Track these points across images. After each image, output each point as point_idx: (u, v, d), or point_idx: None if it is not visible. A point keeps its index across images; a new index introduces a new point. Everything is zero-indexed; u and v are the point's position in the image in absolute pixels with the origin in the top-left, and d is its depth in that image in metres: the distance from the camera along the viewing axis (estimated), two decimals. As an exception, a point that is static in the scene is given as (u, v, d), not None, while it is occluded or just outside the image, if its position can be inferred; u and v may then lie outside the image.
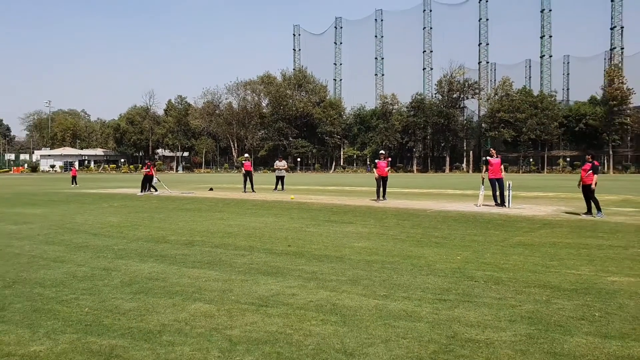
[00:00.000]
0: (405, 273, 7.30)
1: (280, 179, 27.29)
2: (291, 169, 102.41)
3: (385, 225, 12.80)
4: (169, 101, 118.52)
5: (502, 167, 17.40)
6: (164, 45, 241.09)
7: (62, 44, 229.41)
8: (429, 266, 7.77)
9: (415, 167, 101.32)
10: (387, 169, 19.68)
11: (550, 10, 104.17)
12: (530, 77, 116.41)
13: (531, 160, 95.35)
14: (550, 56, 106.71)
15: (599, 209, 14.30)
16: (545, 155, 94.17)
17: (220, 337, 4.71)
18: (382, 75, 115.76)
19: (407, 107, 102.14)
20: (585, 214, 14.48)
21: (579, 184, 15.02)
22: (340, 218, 14.37)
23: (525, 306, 5.66)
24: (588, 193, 14.55)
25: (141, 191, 25.30)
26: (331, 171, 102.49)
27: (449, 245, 9.81)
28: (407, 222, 13.24)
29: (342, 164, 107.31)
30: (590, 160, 14.68)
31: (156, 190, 25.43)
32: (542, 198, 21.21)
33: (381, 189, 19.51)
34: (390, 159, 20.24)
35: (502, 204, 16.71)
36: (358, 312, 5.45)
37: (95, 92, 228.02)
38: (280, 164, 27.72)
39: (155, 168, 26.58)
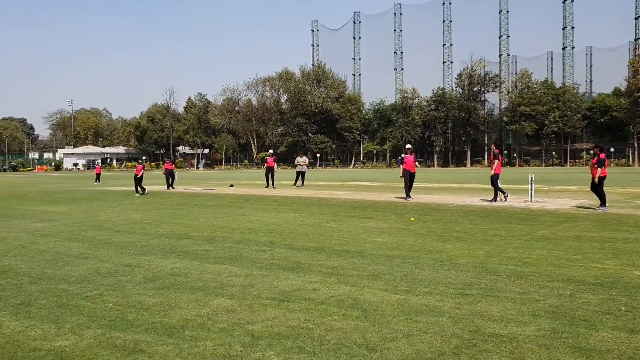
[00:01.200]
0: (426, 268, 7.26)
1: (300, 174, 27.38)
2: (311, 164, 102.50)
3: (406, 220, 12.74)
4: (189, 99, 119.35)
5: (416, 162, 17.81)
6: (184, 43, 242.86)
7: (84, 42, 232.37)
8: (450, 261, 7.72)
9: (436, 162, 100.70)
10: (415, 163, 18.11)
11: (572, 1, 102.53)
12: (552, 69, 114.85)
13: (554, 153, 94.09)
14: (573, 48, 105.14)
15: (603, 203, 14.13)
16: (568, 148, 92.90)
17: (242, 331, 4.74)
18: (402, 69, 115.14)
19: (427, 101, 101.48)
20: (600, 207, 14.23)
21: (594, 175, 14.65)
22: (360, 213, 14.34)
23: (549, 300, 5.59)
24: (595, 186, 14.25)
25: (167, 187, 25.78)
26: (351, 166, 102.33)
27: (470, 239, 9.73)
28: (429, 217, 13.17)
29: (361, 159, 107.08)
30: (598, 152, 14.30)
31: (144, 192, 23.21)
32: (565, 192, 20.93)
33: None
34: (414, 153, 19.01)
35: None
36: (379, 307, 5.44)
37: (116, 91, 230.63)
38: (301, 159, 27.77)
39: (175, 165, 26.78)
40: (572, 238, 9.71)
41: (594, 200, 16.77)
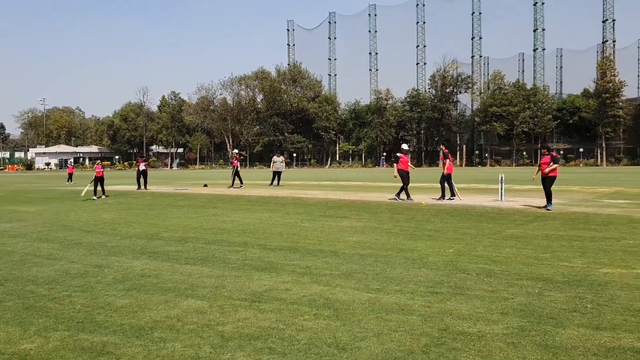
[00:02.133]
0: (398, 266, 7.29)
1: (277, 174, 27.25)
2: (287, 164, 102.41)
3: (379, 219, 12.80)
4: (163, 97, 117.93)
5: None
6: (158, 41, 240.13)
7: (56, 41, 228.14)
8: (421, 259, 7.76)
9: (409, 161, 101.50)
10: (409, 164, 17.83)
11: (543, 4, 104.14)
12: (523, 71, 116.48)
13: (524, 153, 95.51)
14: (544, 49, 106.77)
15: (549, 202, 14.31)
16: (539, 149, 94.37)
17: (212, 333, 4.69)
18: (377, 70, 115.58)
19: (402, 102, 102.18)
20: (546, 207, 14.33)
21: (534, 177, 15.08)
22: (335, 213, 14.35)
23: (517, 299, 5.65)
24: (547, 185, 14.36)
25: (138, 187, 25.34)
26: (327, 166, 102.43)
27: (441, 238, 9.81)
28: (401, 216, 13.24)
29: (337, 159, 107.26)
30: (547, 153, 14.64)
31: (102, 194, 21.15)
32: (534, 191, 21.18)
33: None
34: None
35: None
36: (351, 306, 5.43)
37: (89, 89, 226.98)
38: (278, 159, 27.65)
39: (148, 164, 26.10)
40: (541, 237, 9.85)
41: (563, 199, 17.06)
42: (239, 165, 26.36)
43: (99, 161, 24.50)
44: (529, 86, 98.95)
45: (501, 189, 17.12)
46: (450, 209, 14.56)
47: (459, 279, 6.54)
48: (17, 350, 4.36)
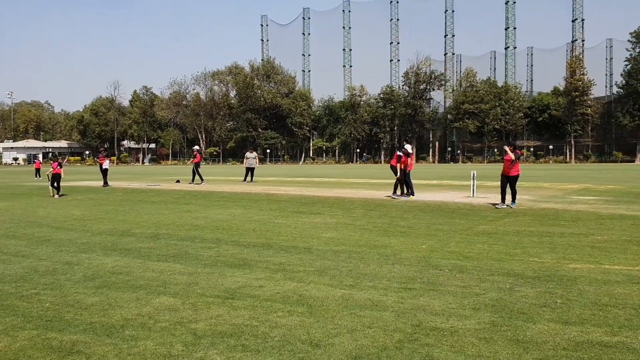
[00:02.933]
0: (371, 263, 7.32)
1: (250, 170, 27.18)
2: (260, 160, 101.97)
3: (352, 215, 12.83)
4: (135, 92, 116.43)
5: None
6: (130, 35, 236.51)
7: (24, 33, 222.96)
8: (394, 255, 7.80)
9: (382, 158, 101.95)
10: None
11: (514, 2, 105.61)
12: (495, 69, 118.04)
13: (495, 150, 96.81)
14: (515, 48, 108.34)
15: (514, 200, 14.20)
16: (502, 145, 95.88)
17: (185, 330, 4.64)
18: (351, 66, 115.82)
19: (376, 99, 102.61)
20: (501, 204, 14.23)
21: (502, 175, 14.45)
22: (308, 209, 14.34)
23: (489, 294, 5.72)
24: (511, 183, 14.20)
25: (104, 184, 24.80)
26: (300, 162, 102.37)
27: (414, 234, 9.88)
28: (375, 212, 13.30)
29: (311, 155, 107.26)
30: (513, 150, 14.26)
31: (58, 192, 19.70)
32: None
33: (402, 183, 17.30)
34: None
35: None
36: (324, 302, 5.43)
37: (59, 83, 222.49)
38: (251, 155, 27.53)
39: (108, 159, 24.77)
40: (512, 233, 9.99)
41: (533, 196, 17.35)
42: (200, 162, 26.33)
43: (57, 157, 21.54)
44: (500, 84, 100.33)
45: (473, 185, 17.33)
46: (423, 205, 14.67)
47: (431, 275, 6.59)
48: (-18, 351, 4.24)
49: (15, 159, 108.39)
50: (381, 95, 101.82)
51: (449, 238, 9.43)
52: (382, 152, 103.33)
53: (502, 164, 14.89)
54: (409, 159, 17.01)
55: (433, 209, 13.84)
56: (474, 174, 17.68)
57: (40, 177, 35.40)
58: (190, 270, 6.98)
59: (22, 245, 9.12)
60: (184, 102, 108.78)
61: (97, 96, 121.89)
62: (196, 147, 29.10)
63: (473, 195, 16.97)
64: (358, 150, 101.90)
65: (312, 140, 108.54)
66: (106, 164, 24.55)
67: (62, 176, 20.36)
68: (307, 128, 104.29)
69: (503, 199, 14.26)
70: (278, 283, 6.25)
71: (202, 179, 26.20)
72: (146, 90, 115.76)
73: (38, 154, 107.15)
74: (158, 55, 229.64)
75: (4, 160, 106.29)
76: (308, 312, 5.12)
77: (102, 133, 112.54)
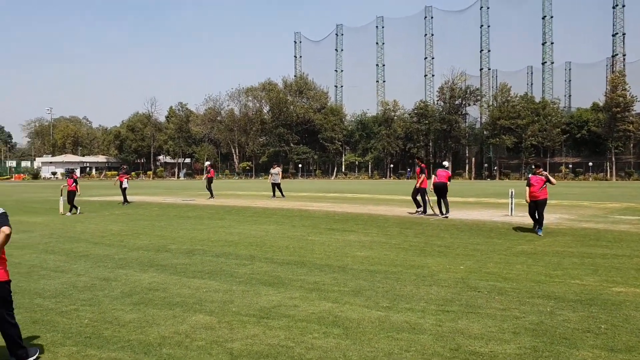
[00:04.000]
0: (408, 283, 7.25)
1: (274, 185, 27.03)
2: (292, 175, 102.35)
3: (387, 233, 12.75)
4: (171, 108, 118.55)
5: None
6: (166, 52, 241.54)
7: (64, 49, 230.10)
8: (432, 276, 7.72)
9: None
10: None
11: (551, 17, 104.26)
12: (532, 84, 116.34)
13: (533, 166, 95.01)
14: (552, 63, 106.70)
15: (541, 226, 12.71)
16: (548, 162, 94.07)
17: (221, 350, 4.66)
18: (384, 81, 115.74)
19: (409, 114, 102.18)
20: (537, 228, 12.72)
21: (527, 199, 12.89)
22: (342, 226, 14.32)
23: (529, 317, 5.60)
24: (539, 208, 12.61)
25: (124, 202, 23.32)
26: (332, 177, 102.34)
27: (452, 254, 9.76)
28: (410, 231, 13.19)
29: (343, 170, 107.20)
30: (540, 172, 13.04)
31: (76, 210, 19.53)
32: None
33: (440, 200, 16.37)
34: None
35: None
36: (361, 324, 5.40)
37: (97, 99, 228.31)
38: (274, 171, 27.46)
39: (128, 176, 24.31)
40: (552, 253, 9.78)
41: (573, 215, 16.96)
42: (213, 177, 26.62)
43: (72, 173, 21.93)
44: (537, 99, 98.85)
45: (511, 203, 17.03)
46: (459, 224, 14.49)
47: (470, 297, 6.49)
48: (25, 366, 4.34)
49: (54, 174, 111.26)
50: (415, 110, 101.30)
51: (487, 258, 9.28)
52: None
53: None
54: (423, 175, 16.95)
55: (470, 228, 13.66)
56: (512, 192, 17.39)
57: (78, 191, 36.22)
58: (226, 288, 7.03)
59: (61, 260, 9.34)
60: (218, 118, 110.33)
61: (134, 112, 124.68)
62: (208, 162, 29.26)
63: (511, 214, 16.67)
64: (392, 165, 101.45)
65: (345, 155, 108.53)
66: (125, 182, 23.84)
67: (78, 193, 20.18)
68: (339, 143, 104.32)
69: (539, 224, 12.72)
70: (313, 303, 6.24)
71: (211, 195, 26.35)
72: (182, 106, 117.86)
73: (76, 168, 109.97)
74: (194, 72, 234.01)
75: (42, 175, 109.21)
76: (344, 334, 5.10)
77: (138, 148, 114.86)
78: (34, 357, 4.44)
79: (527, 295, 6.55)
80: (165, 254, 9.88)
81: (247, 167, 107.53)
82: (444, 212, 16.10)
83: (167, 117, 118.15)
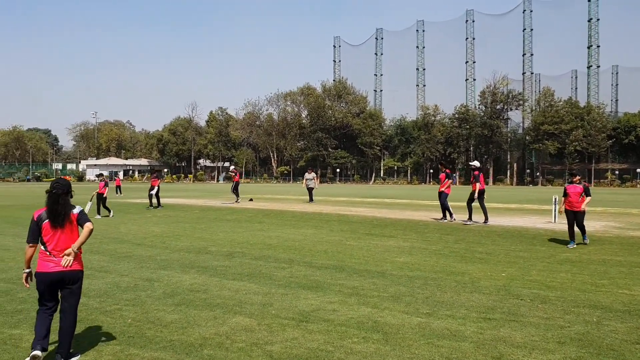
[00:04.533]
0: (448, 290, 7.16)
1: (309, 190, 27.04)
2: (330, 179, 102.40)
3: (427, 239, 12.63)
4: (211, 112, 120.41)
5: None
6: (208, 57, 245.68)
7: (108, 55, 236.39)
8: (473, 283, 7.60)
9: (457, 179, 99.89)
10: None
11: (597, 20, 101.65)
12: (576, 88, 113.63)
13: (569, 175, 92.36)
14: (598, 67, 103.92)
15: (585, 233, 11.91)
16: (593, 168, 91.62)
17: (261, 352, 4.70)
18: (424, 86, 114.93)
19: (450, 118, 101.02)
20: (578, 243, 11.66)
21: (561, 210, 12.22)
22: (381, 231, 14.25)
23: (574, 327, 5.46)
24: (579, 219, 11.69)
25: (150, 205, 23.51)
26: (371, 182, 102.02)
27: (493, 261, 9.60)
28: (450, 237, 13.03)
29: (382, 175, 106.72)
30: (579, 181, 12.07)
31: (109, 213, 19.43)
32: (589, 213, 20.55)
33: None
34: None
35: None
36: (400, 330, 5.36)
37: (140, 104, 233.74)
38: (309, 176, 27.45)
39: (159, 180, 23.67)
40: (598, 262, 9.51)
41: (620, 223, 16.47)
42: (239, 181, 26.84)
43: (102, 176, 21.99)
44: (582, 104, 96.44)
45: (554, 210, 16.65)
46: (501, 231, 14.24)
47: (512, 305, 6.37)
48: (71, 363, 4.47)
49: (98, 176, 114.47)
50: (456, 115, 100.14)
51: (530, 266, 9.09)
52: (457, 173, 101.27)
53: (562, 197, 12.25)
54: (449, 181, 16.73)
55: (512, 235, 13.40)
56: (555, 199, 17.00)
57: (121, 193, 37.11)
58: (265, 291, 7.09)
59: (105, 260, 9.57)
60: (257, 123, 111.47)
61: (175, 116, 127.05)
62: (233, 167, 29.50)
63: (555, 221, 16.30)
64: (431, 170, 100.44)
65: (383, 160, 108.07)
66: (155, 189, 23.53)
67: (105, 196, 20.04)
68: (378, 148, 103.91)
69: (572, 237, 11.59)
70: (352, 308, 6.23)
71: (237, 197, 26.53)
72: (222, 111, 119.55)
73: (119, 171, 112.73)
74: (234, 77, 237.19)
75: (87, 177, 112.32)
76: (383, 339, 5.07)
77: (179, 152, 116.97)
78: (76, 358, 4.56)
79: (572, 305, 6.39)
80: (206, 256, 10.03)
81: (285, 171, 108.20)
82: (453, 218, 16.43)
83: (207, 121, 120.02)
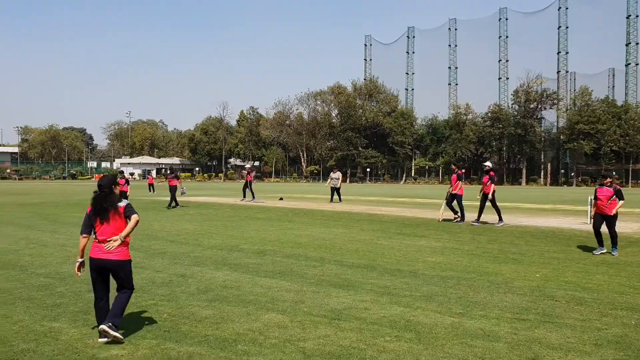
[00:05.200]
0: (481, 290, 7.10)
1: (334, 190, 26.85)
2: (360, 179, 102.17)
3: (459, 239, 12.53)
4: (242, 112, 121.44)
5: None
6: (239, 57, 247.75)
7: (143, 55, 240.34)
8: (506, 283, 7.53)
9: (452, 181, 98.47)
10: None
11: (637, 17, 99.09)
12: (613, 87, 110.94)
13: (614, 173, 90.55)
14: (637, 64, 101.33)
15: (615, 244, 10.72)
16: (630, 169, 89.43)
17: (294, 348, 4.75)
18: (456, 84, 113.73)
19: (482, 118, 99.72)
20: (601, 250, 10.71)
21: (592, 216, 11.35)
22: (412, 231, 14.19)
23: (612, 330, 5.37)
24: (609, 223, 10.61)
25: (170, 205, 22.48)
26: (402, 182, 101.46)
27: (527, 262, 9.48)
28: (483, 237, 12.90)
29: (413, 175, 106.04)
30: (610, 184, 10.80)
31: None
32: (627, 214, 20.08)
33: None
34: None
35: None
36: (433, 329, 5.35)
37: (172, 103, 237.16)
38: (335, 175, 27.34)
39: (179, 180, 23.44)
40: (636, 264, 9.31)
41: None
42: (252, 180, 27.08)
43: (123, 174, 21.23)
44: (619, 103, 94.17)
45: (590, 211, 16.31)
46: (535, 231, 14.03)
47: (547, 306, 6.29)
48: (109, 356, 4.59)
49: (132, 174, 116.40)
50: (489, 114, 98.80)
51: (565, 267, 8.95)
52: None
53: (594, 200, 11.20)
54: (460, 182, 16.63)
55: (546, 235, 13.20)
56: (591, 200, 16.64)
57: (154, 191, 37.70)
58: (297, 288, 7.14)
59: (140, 257, 9.76)
60: (287, 122, 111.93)
61: (207, 116, 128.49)
62: (248, 165, 29.66)
63: (590, 222, 15.96)
64: (463, 170, 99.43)
65: (414, 159, 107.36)
66: (182, 189, 23.49)
67: (128, 193, 19.65)
68: (409, 147, 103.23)
69: (600, 242, 10.69)
70: (384, 307, 6.24)
71: (253, 196, 26.99)
72: (252, 110, 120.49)
73: (152, 169, 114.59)
74: (264, 76, 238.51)
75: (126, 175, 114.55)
76: (416, 338, 5.07)
77: (211, 151, 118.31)
78: (120, 332, 4.93)
79: (609, 307, 6.28)
80: (238, 254, 10.14)
81: (315, 171, 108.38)
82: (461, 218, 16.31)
83: (238, 120, 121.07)
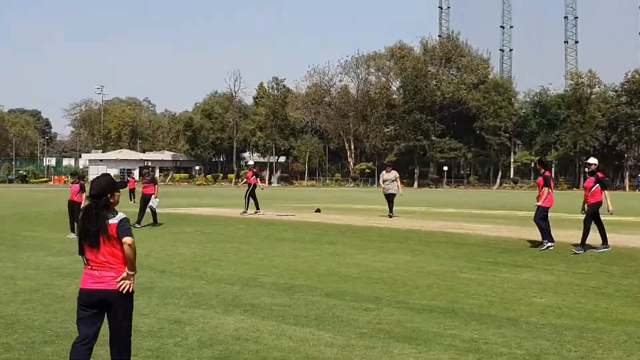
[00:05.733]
0: (615, 347, 7.01)
1: (388, 197, 25.95)
2: (434, 181, 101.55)
3: (581, 271, 12.38)
4: (261, 85, 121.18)
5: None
6: (252, 10, 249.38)
7: (118, 5, 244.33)
8: (652, 337, 7.41)
9: (627, 182, 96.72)
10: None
11: None
12: None
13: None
14: None
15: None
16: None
17: None
18: (575, 42, 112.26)
19: (615, 91, 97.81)
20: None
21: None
22: (511, 259, 14.09)
23: None
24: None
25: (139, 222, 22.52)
26: (495, 186, 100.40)
27: (684, 305, 9.30)
28: (616, 268, 12.72)
29: (512, 175, 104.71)
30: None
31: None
32: None
33: None
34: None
35: None
36: (543, 405, 5.30)
37: (162, 75, 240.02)
38: (389, 175, 26.31)
39: (156, 186, 23.41)
40: None
41: None
42: (257, 183, 27.35)
43: (77, 176, 22.36)
44: None
45: None
46: (695, 260, 13.74)
47: None
48: None
49: (72, 175, 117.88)
50: (625, 86, 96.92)
51: None
52: (627, 172, 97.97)
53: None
54: (546, 189, 15.98)
55: None
56: None
57: (135, 200, 38.15)
58: (342, 342, 7.15)
59: (118, 293, 9.91)
60: (326, 99, 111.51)
61: (211, 91, 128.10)
62: (251, 162, 29.76)
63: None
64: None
65: (515, 153, 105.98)
66: (154, 201, 23.16)
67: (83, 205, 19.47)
68: (507, 135, 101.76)
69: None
70: (470, 370, 6.21)
71: (256, 207, 27.21)
72: (277, 83, 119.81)
73: (133, 168, 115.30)
74: (291, 34, 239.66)
75: (90, 176, 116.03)
76: (518, 416, 5.02)
77: (217, 141, 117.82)
78: None
79: None
80: (256, 290, 10.23)
81: (367, 170, 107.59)
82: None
83: (255, 97, 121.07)
